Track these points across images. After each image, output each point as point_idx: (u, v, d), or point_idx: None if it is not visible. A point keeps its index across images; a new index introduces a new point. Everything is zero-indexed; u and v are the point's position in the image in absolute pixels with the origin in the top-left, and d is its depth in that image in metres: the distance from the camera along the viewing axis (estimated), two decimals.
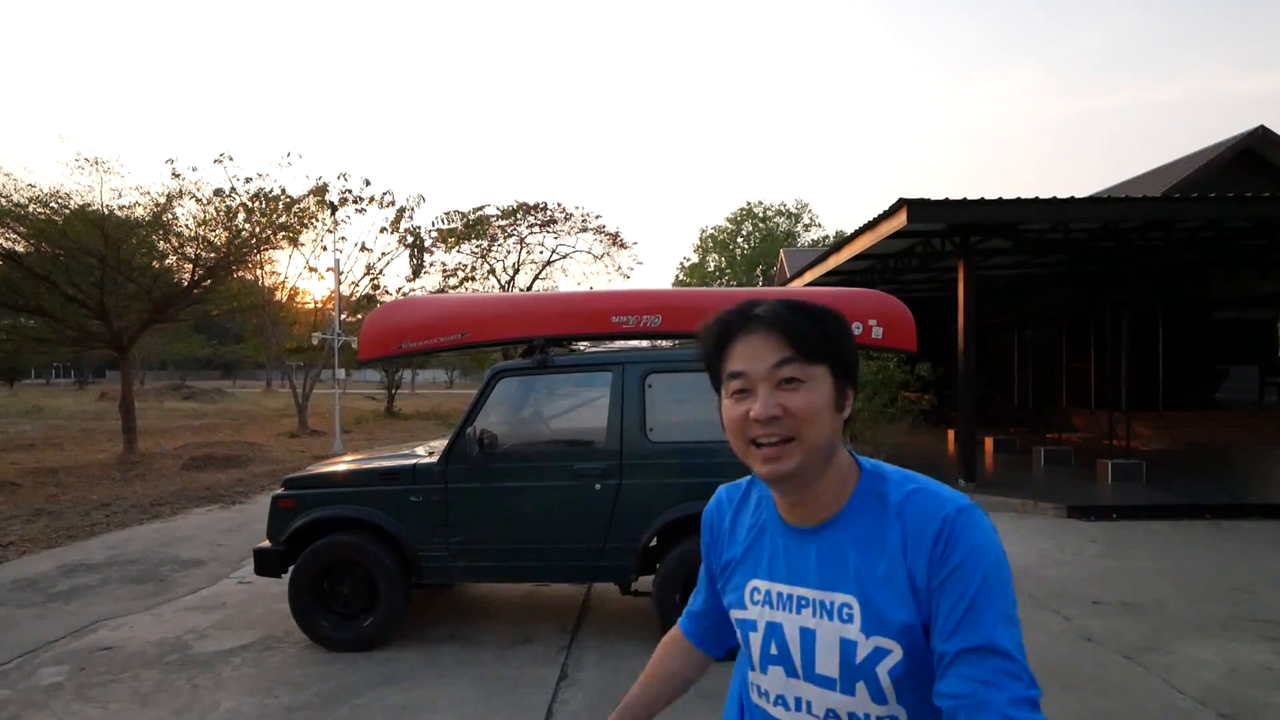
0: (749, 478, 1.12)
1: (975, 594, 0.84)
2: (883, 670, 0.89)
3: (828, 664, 0.93)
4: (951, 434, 12.68)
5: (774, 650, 0.99)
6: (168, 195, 13.04)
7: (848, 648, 0.91)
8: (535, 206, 24.26)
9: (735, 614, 1.06)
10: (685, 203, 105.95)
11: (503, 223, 24.10)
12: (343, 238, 23.88)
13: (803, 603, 0.96)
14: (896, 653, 0.89)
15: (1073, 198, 8.49)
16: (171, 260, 13.91)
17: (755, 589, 1.02)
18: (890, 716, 0.91)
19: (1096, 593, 5.16)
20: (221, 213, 14.22)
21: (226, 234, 14.03)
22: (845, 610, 0.92)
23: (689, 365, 4.47)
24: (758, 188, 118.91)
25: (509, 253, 25.13)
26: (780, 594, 0.99)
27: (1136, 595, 5.11)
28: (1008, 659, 0.82)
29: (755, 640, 1.01)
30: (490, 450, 4.20)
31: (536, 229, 24.86)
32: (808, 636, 0.95)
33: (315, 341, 16.58)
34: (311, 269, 18.50)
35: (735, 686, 1.14)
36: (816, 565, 0.96)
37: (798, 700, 0.97)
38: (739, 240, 47.33)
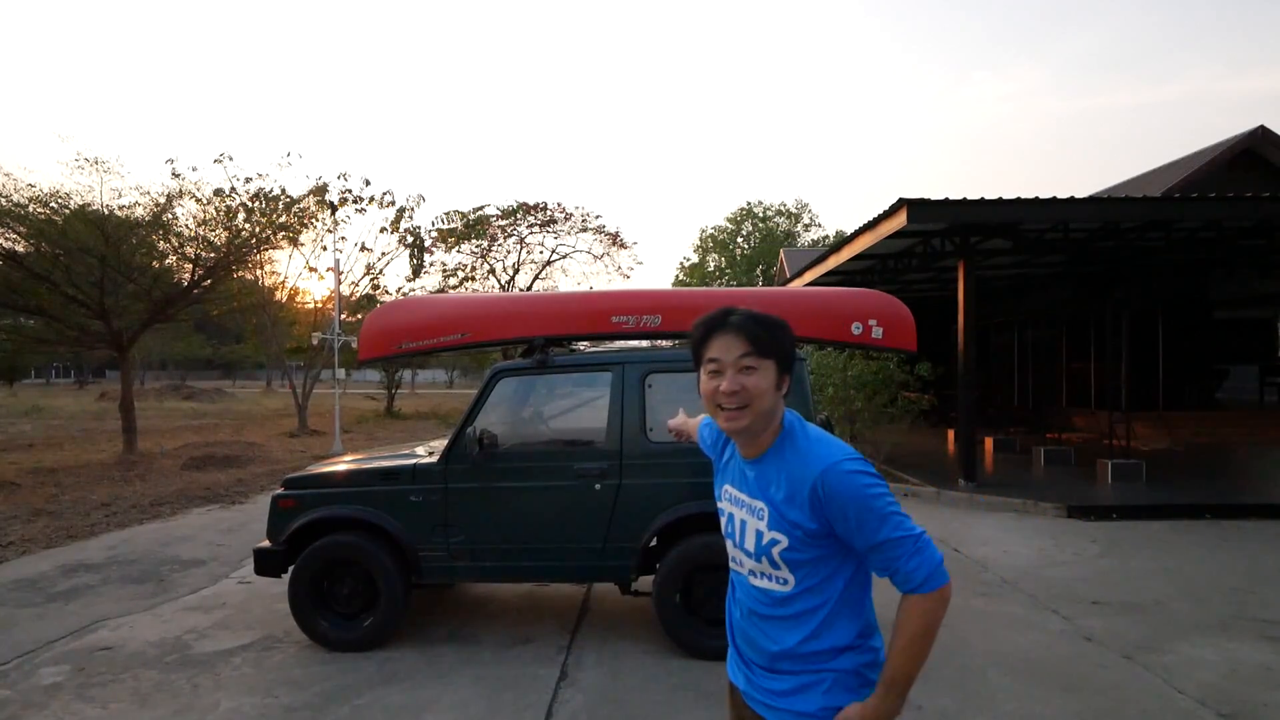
0: None
1: (854, 516, 1.33)
2: (776, 550, 1.42)
3: (749, 542, 1.48)
4: (951, 434, 12.67)
5: (729, 529, 1.56)
6: (168, 195, 13.04)
7: (758, 535, 1.45)
8: (535, 206, 24.25)
9: (718, 503, 1.63)
10: (685, 203, 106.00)
11: (503, 223, 24.07)
12: (343, 238, 23.90)
13: (740, 503, 1.52)
14: (784, 542, 1.40)
15: (1073, 198, 8.49)
16: (171, 260, 13.90)
17: (726, 490, 1.59)
18: (781, 577, 1.44)
19: (1096, 593, 5.16)
20: (221, 213, 14.21)
21: (226, 234, 14.02)
22: (759, 511, 1.45)
23: (689, 365, 4.46)
24: (758, 188, 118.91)
25: (509, 253, 25.12)
26: (734, 496, 1.55)
27: (1136, 595, 5.11)
28: (894, 542, 1.32)
29: (723, 521, 1.60)
30: (490, 450, 4.20)
31: (536, 229, 24.85)
32: (743, 524, 1.50)
33: (315, 341, 16.56)
34: (311, 269, 18.50)
35: None
36: (751, 482, 1.48)
37: (737, 559, 1.55)
38: (739, 240, 47.30)
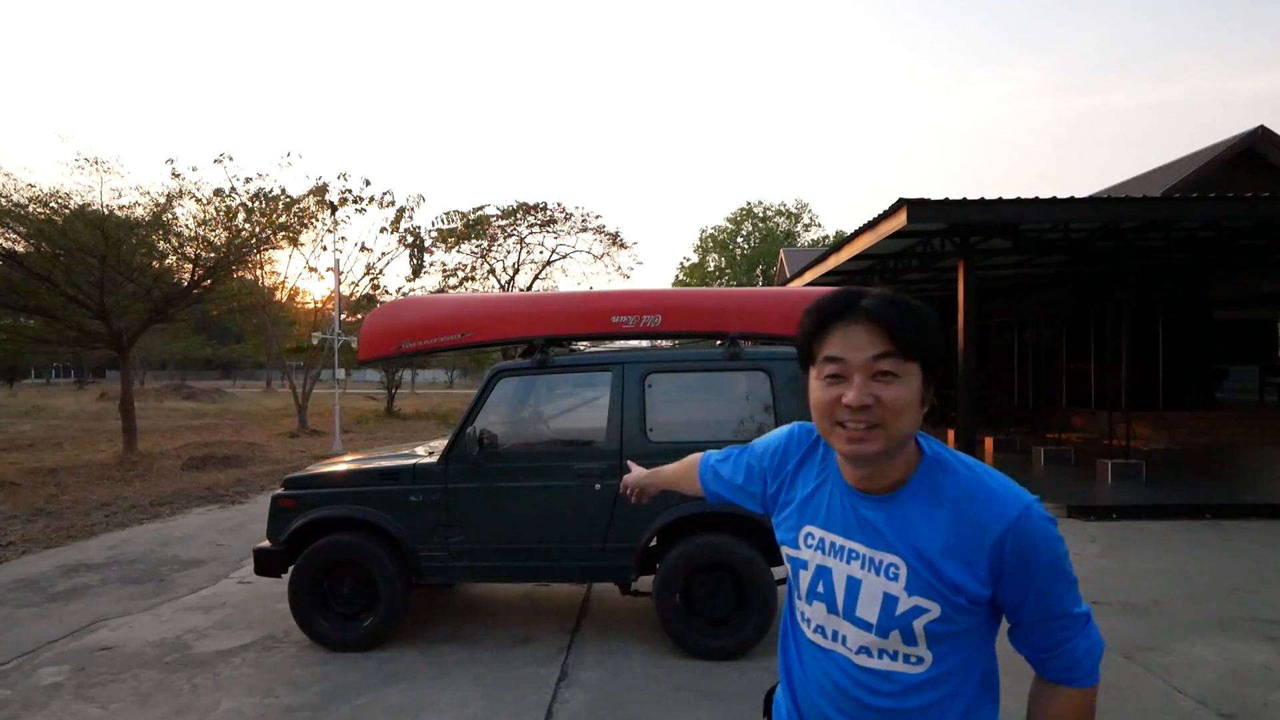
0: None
1: (1043, 579, 1.03)
2: (919, 623, 1.06)
3: (868, 610, 1.09)
4: (951, 434, 12.66)
5: (820, 589, 1.15)
6: (168, 195, 13.04)
7: (889, 601, 1.07)
8: (535, 206, 24.25)
9: (786, 550, 1.23)
10: (685, 203, 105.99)
11: (503, 223, 24.08)
12: (343, 238, 23.91)
13: (853, 555, 1.12)
14: (934, 610, 1.05)
15: (1073, 198, 8.48)
16: (171, 260, 13.90)
17: (809, 534, 1.18)
18: (915, 656, 1.08)
19: (1096, 593, 5.16)
20: (221, 213, 14.21)
21: (226, 234, 14.02)
22: (892, 569, 1.07)
23: (689, 365, 4.47)
24: (758, 188, 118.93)
25: (509, 253, 25.13)
26: (833, 544, 1.14)
27: (1136, 595, 5.11)
28: (1072, 618, 1.05)
29: (805, 577, 1.18)
30: (490, 450, 4.20)
31: (536, 229, 24.85)
32: (853, 584, 1.11)
33: (315, 341, 16.56)
34: (311, 269, 18.51)
35: (785, 612, 1.33)
36: (872, 527, 1.10)
37: (835, 633, 1.15)
38: (739, 240, 47.32)
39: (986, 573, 1.03)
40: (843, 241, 11.48)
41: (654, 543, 4.21)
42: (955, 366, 9.49)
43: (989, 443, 11.99)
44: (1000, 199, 8.47)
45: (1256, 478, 9.56)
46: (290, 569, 4.27)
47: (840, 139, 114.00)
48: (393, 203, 19.35)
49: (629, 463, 1.92)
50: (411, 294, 20.33)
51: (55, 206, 11.90)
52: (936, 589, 1.04)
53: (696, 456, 1.63)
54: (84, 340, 13.51)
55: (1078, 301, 13.83)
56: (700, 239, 48.32)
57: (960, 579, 1.03)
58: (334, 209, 17.67)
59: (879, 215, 9.28)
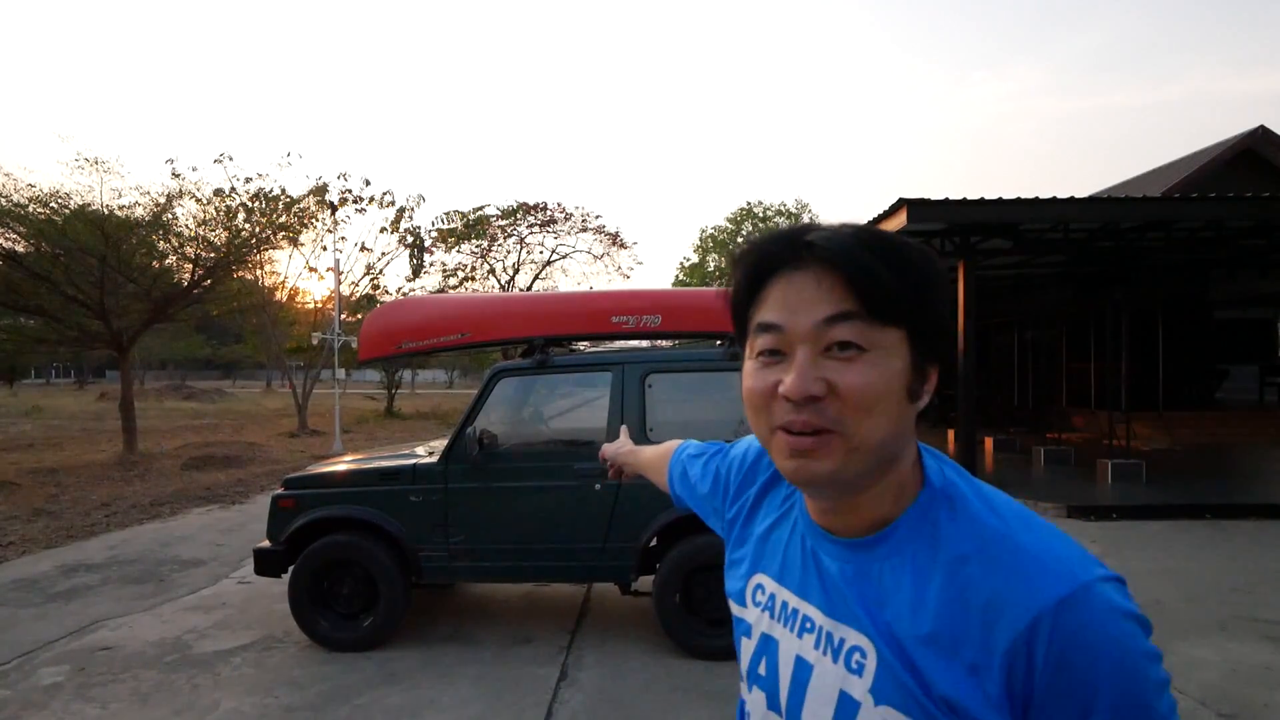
0: None
1: (1106, 715, 0.57)
2: None
3: (818, 713, 0.71)
4: (952, 434, 12.67)
5: (762, 670, 0.79)
6: (168, 195, 13.04)
7: (846, 706, 0.68)
8: (535, 206, 24.26)
9: (733, 606, 0.86)
10: (685, 203, 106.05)
11: (503, 223, 24.08)
12: (343, 238, 23.91)
13: (807, 626, 0.74)
14: None
15: (1073, 198, 8.49)
16: (171, 260, 13.90)
17: (760, 586, 0.81)
18: None
19: None
20: (221, 213, 14.22)
21: (226, 234, 14.02)
22: (855, 658, 0.68)
23: (689, 365, 4.47)
24: (758, 188, 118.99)
25: (509, 253, 25.13)
26: (785, 604, 0.77)
27: (1137, 595, 5.04)
28: None
29: (746, 648, 0.82)
30: (490, 450, 4.20)
31: (536, 229, 24.86)
32: (802, 670, 0.73)
33: (315, 341, 16.57)
34: (311, 269, 18.52)
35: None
36: (835, 586, 0.72)
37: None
38: (739, 240, 47.30)
39: (1001, 691, 0.60)
40: None
41: (654, 543, 4.21)
42: (955, 366, 9.49)
43: (989, 443, 12.00)
44: (1000, 199, 8.47)
45: (1256, 478, 9.56)
46: (290, 569, 4.27)
47: (840, 139, 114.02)
48: (393, 203, 19.36)
49: (622, 427, 1.56)
50: (411, 294, 20.33)
51: (55, 206, 11.91)
52: (916, 700, 0.63)
53: (675, 443, 1.20)
54: (84, 340, 13.50)
55: (1078, 301, 13.83)
56: (700, 239, 48.27)
57: (952, 691, 0.62)
58: (334, 209, 17.68)
59: (879, 215, 9.28)
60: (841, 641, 0.70)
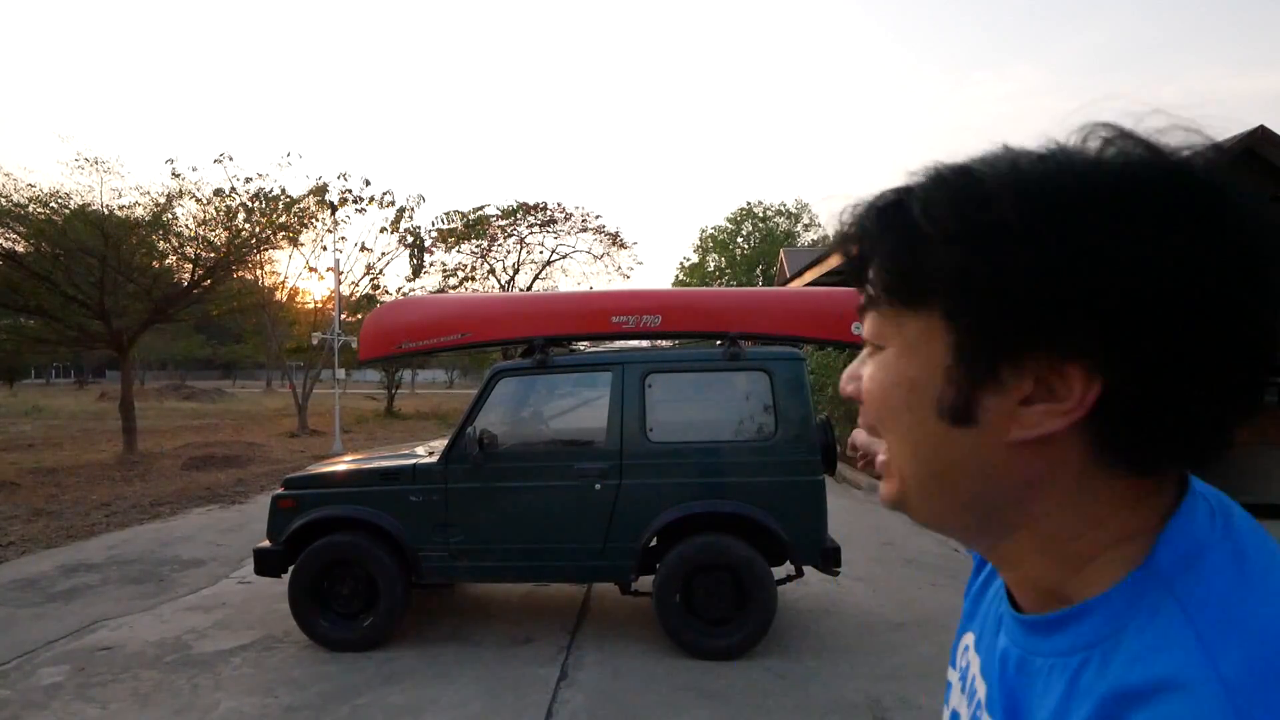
0: None
1: None
2: None
3: None
4: None
5: None
6: (168, 195, 13.04)
7: None
8: (535, 206, 24.26)
9: (949, 670, 0.68)
10: (685, 203, 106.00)
11: (503, 223, 24.09)
12: (343, 238, 23.87)
13: (976, 711, 0.56)
14: None
15: None
16: (171, 260, 13.90)
17: (966, 647, 0.62)
18: None
19: None
20: (221, 213, 14.21)
21: (226, 234, 14.02)
22: None
23: (689, 365, 4.47)
24: (758, 188, 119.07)
25: (509, 253, 25.14)
26: (974, 677, 0.58)
27: None
28: None
29: (945, 714, 0.64)
30: (490, 450, 4.20)
31: (536, 229, 24.87)
32: None
33: (315, 341, 16.57)
34: (311, 269, 18.50)
35: None
36: (1004, 672, 0.52)
37: None
38: (739, 240, 47.31)
39: None
40: None
41: (654, 543, 4.21)
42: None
43: None
44: None
45: (1256, 478, 9.57)
46: (290, 569, 4.27)
47: (840, 139, 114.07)
48: (393, 203, 19.36)
49: None
50: (411, 294, 20.33)
51: (55, 206, 11.91)
52: None
53: None
54: (84, 340, 13.51)
55: None
56: (700, 239, 48.31)
57: None
58: (334, 209, 17.67)
59: None
60: (978, 700, 0.55)
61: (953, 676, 0.64)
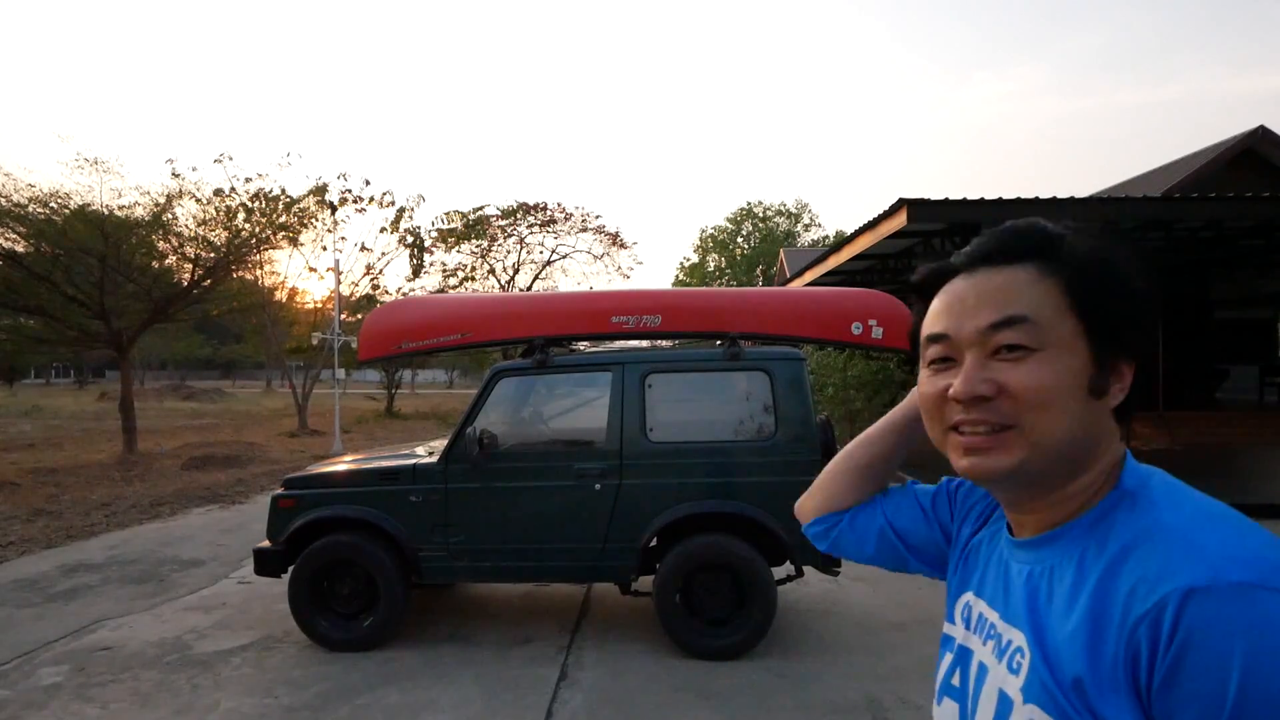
0: None
1: None
2: None
3: (984, 712, 0.71)
4: None
5: (955, 680, 0.79)
6: (167, 195, 13.04)
7: (1003, 704, 0.68)
8: (535, 206, 24.27)
9: (946, 626, 0.85)
10: (685, 203, 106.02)
11: (503, 223, 24.10)
12: (343, 238, 23.82)
13: (991, 632, 0.74)
14: None
15: (1073, 198, 8.50)
16: (171, 260, 13.91)
17: (968, 605, 0.81)
18: None
19: None
20: (221, 213, 14.22)
21: (226, 234, 14.02)
22: (1016, 658, 0.68)
23: (689, 365, 4.47)
24: (758, 188, 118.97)
25: (509, 253, 25.15)
26: (982, 615, 0.77)
27: None
28: None
29: (945, 662, 0.82)
30: (490, 450, 4.20)
31: (536, 229, 24.87)
32: (981, 675, 0.74)
33: (315, 341, 16.57)
34: (311, 269, 18.51)
35: None
36: (1012, 588, 0.72)
37: None
38: (739, 240, 47.30)
39: (1126, 676, 0.57)
40: (843, 241, 11.49)
41: (654, 543, 4.21)
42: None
43: None
44: (1000, 199, 8.48)
45: (1256, 478, 9.57)
46: (290, 569, 4.27)
47: (840, 139, 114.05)
48: (393, 203, 19.36)
49: None
50: (411, 294, 20.33)
51: (55, 206, 11.91)
52: (1057, 701, 0.61)
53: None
54: (84, 340, 13.51)
55: None
56: (700, 239, 48.29)
57: (1091, 686, 0.59)
58: (334, 209, 17.68)
59: (879, 215, 9.28)
60: (1009, 643, 0.70)
61: (955, 630, 0.81)
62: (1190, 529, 0.60)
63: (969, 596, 0.81)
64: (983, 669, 0.73)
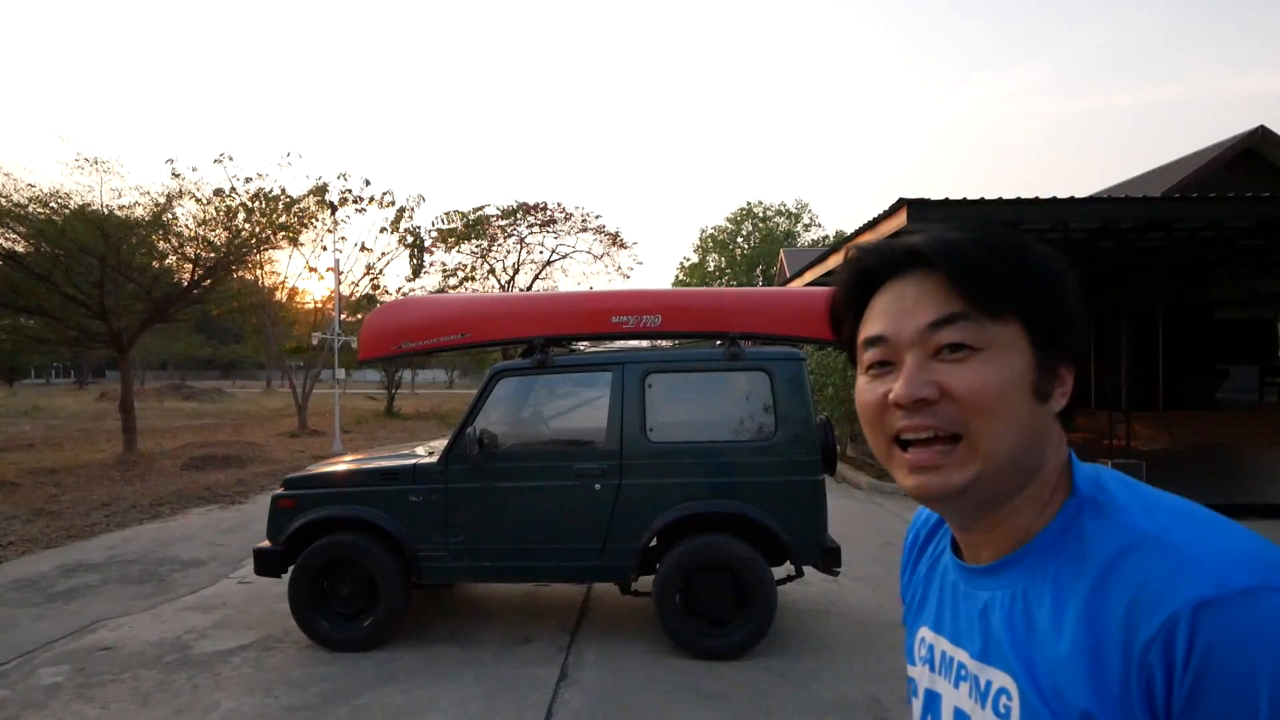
0: None
1: None
2: None
3: None
4: None
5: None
6: (168, 195, 13.03)
7: None
8: (535, 206, 24.28)
9: (909, 669, 0.81)
10: (685, 203, 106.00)
11: (503, 223, 24.10)
12: (343, 238, 23.85)
13: (961, 673, 0.69)
14: None
15: (1073, 198, 8.49)
16: (171, 260, 13.89)
17: (922, 639, 0.77)
18: None
19: None
20: (221, 213, 14.21)
21: (226, 234, 14.02)
22: (1003, 701, 0.63)
23: (689, 365, 4.47)
24: (758, 188, 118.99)
25: (509, 253, 25.16)
26: (944, 654, 0.72)
27: None
28: None
29: (914, 709, 0.77)
30: (490, 450, 4.20)
31: (536, 229, 24.88)
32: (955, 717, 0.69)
33: (315, 341, 16.57)
34: (311, 269, 18.51)
35: None
36: (983, 623, 0.67)
37: None
38: (739, 240, 47.31)
39: (1141, 701, 0.54)
40: (843, 241, 11.49)
41: (654, 543, 4.21)
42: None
43: None
44: (1000, 199, 8.48)
45: (1256, 478, 9.57)
46: (290, 569, 4.27)
47: (840, 139, 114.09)
48: (393, 203, 19.36)
49: None
50: (411, 294, 20.33)
51: (55, 206, 11.90)
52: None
53: None
54: (84, 340, 13.51)
55: None
56: (700, 239, 48.31)
57: (1094, 705, 0.56)
58: (334, 209, 17.68)
59: (879, 215, 9.28)
60: (989, 684, 0.65)
61: (916, 671, 0.77)
62: (1174, 535, 0.57)
63: (924, 632, 0.76)
64: (960, 716, 0.68)
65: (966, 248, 0.63)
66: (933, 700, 0.73)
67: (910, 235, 0.70)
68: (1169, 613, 0.53)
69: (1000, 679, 0.64)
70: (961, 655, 0.69)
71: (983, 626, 0.67)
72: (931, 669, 0.74)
